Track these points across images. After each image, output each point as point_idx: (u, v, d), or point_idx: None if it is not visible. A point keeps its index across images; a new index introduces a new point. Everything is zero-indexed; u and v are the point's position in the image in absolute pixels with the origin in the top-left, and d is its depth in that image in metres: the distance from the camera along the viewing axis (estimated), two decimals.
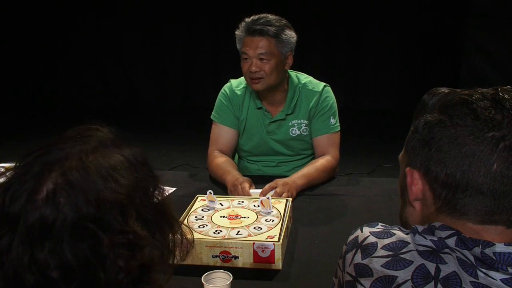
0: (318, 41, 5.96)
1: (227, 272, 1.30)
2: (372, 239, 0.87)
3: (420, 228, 0.84)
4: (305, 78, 2.22)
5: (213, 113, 2.25)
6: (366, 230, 0.90)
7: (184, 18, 6.12)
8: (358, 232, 0.91)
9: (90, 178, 0.71)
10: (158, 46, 6.28)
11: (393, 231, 0.87)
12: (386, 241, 0.85)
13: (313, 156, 2.25)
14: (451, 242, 0.80)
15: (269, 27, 2.01)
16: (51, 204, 0.68)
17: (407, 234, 0.85)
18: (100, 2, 6.09)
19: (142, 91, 6.45)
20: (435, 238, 0.81)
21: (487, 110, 0.79)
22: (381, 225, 0.92)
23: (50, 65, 6.35)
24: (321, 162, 2.12)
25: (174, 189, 2.05)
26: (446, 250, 0.80)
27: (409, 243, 0.82)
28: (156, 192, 0.80)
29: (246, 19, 2.06)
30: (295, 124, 2.18)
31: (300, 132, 2.19)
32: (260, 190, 1.89)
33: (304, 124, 2.18)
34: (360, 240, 0.88)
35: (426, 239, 0.82)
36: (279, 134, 2.20)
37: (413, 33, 5.64)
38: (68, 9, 6.13)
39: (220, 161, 2.13)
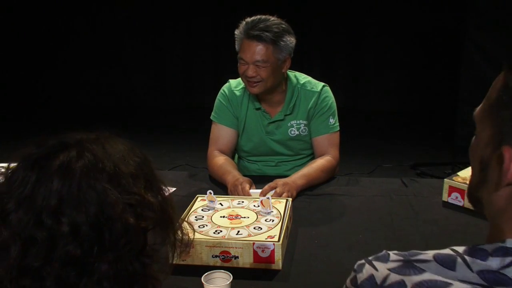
0: (318, 41, 5.96)
1: (227, 272, 1.30)
2: (395, 277, 0.67)
3: (483, 249, 0.64)
4: (303, 78, 2.21)
5: (212, 113, 2.25)
6: (382, 266, 0.70)
7: (184, 18, 6.12)
8: (370, 270, 0.71)
9: (108, 152, 0.78)
10: (158, 46, 6.28)
11: (420, 265, 0.66)
12: (417, 278, 0.65)
13: (312, 155, 2.25)
14: None
15: (267, 33, 1.98)
16: (65, 171, 0.73)
17: (443, 264, 0.65)
18: (100, 2, 6.10)
19: (142, 91, 6.45)
20: (494, 267, 0.62)
21: None
22: (394, 255, 0.71)
23: (50, 65, 6.35)
24: (321, 162, 2.12)
25: (174, 189, 2.05)
26: None
27: (451, 284, 0.63)
28: (160, 195, 0.84)
29: (247, 19, 2.04)
30: (294, 125, 2.18)
31: (299, 132, 2.19)
32: (260, 190, 1.89)
33: (303, 125, 2.18)
34: (379, 281, 0.69)
35: (473, 271, 0.62)
36: (278, 134, 2.20)
37: (413, 33, 5.64)
38: (68, 9, 6.13)
39: (220, 161, 2.13)
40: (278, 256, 1.43)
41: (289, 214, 1.65)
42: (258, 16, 2.04)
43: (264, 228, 1.53)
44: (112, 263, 0.73)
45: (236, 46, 2.08)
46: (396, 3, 5.55)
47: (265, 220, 1.59)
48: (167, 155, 4.56)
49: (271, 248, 1.43)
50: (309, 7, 5.72)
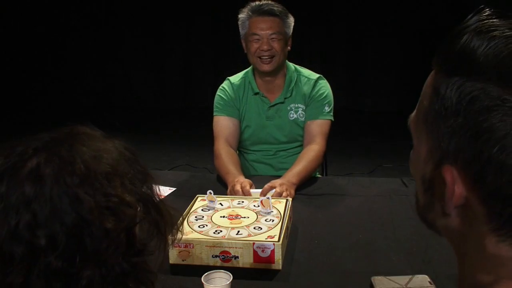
0: (318, 40, 5.97)
1: (227, 272, 1.30)
2: None
3: None
4: (299, 67, 2.29)
5: (214, 110, 2.28)
6: None
7: (184, 18, 6.12)
8: None
9: (77, 153, 0.73)
10: (158, 46, 6.29)
11: None
12: None
13: None
14: None
15: (277, 8, 2.11)
16: (34, 178, 0.70)
17: None
18: (100, 2, 6.10)
19: (142, 91, 6.45)
20: None
21: None
22: None
23: (50, 65, 6.35)
24: (309, 154, 2.13)
25: (174, 189, 2.05)
26: None
27: None
28: (145, 186, 0.80)
29: (251, 4, 2.13)
30: (293, 108, 2.22)
31: (297, 116, 2.22)
32: (260, 190, 1.89)
33: (301, 109, 2.22)
34: None
35: None
36: (278, 118, 2.23)
37: (413, 33, 5.65)
38: (68, 9, 6.13)
39: (224, 158, 2.13)
40: (278, 256, 1.43)
41: (289, 214, 1.65)
42: (261, 1, 2.15)
43: (264, 228, 1.53)
44: (97, 268, 0.70)
45: (242, 30, 2.16)
46: (396, 3, 5.56)
47: (265, 220, 1.59)
48: (167, 155, 4.56)
49: (271, 248, 1.43)
50: (309, 6, 5.73)
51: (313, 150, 2.15)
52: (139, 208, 0.76)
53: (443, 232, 0.61)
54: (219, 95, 2.27)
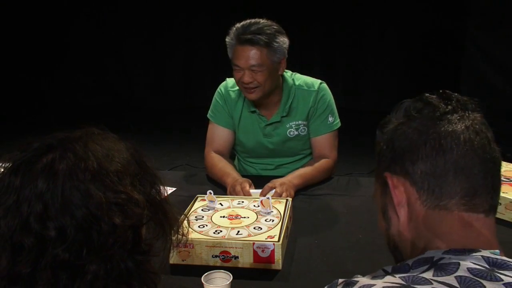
0: (318, 40, 5.96)
1: (227, 272, 1.30)
2: None
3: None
4: (299, 78, 2.17)
5: (209, 111, 2.24)
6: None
7: (184, 18, 6.12)
8: None
9: (91, 150, 0.76)
10: (158, 46, 6.28)
11: None
12: None
13: (311, 155, 2.25)
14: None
15: (260, 36, 1.92)
16: (48, 172, 0.72)
17: None
18: (100, 2, 6.09)
19: (142, 91, 6.45)
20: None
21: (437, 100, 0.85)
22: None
23: (50, 65, 6.34)
24: (318, 164, 2.12)
25: (174, 189, 2.05)
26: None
27: None
28: (154, 189, 0.83)
29: (237, 25, 1.99)
30: (293, 126, 2.16)
31: (298, 132, 2.17)
32: (260, 190, 1.89)
33: (302, 125, 2.16)
34: None
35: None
36: (277, 136, 2.18)
37: (414, 33, 5.64)
38: (68, 9, 6.13)
39: (218, 162, 2.13)
40: (278, 256, 1.43)
41: (289, 214, 1.65)
42: (248, 20, 2.00)
43: (264, 228, 1.53)
44: (102, 263, 0.72)
45: (229, 54, 2.04)
46: (397, 3, 5.55)
47: (265, 220, 1.59)
48: (167, 155, 4.55)
49: (271, 248, 1.43)
50: (309, 6, 5.72)
51: (323, 162, 2.13)
52: (146, 209, 0.78)
53: (399, 243, 0.82)
54: (216, 99, 2.21)
